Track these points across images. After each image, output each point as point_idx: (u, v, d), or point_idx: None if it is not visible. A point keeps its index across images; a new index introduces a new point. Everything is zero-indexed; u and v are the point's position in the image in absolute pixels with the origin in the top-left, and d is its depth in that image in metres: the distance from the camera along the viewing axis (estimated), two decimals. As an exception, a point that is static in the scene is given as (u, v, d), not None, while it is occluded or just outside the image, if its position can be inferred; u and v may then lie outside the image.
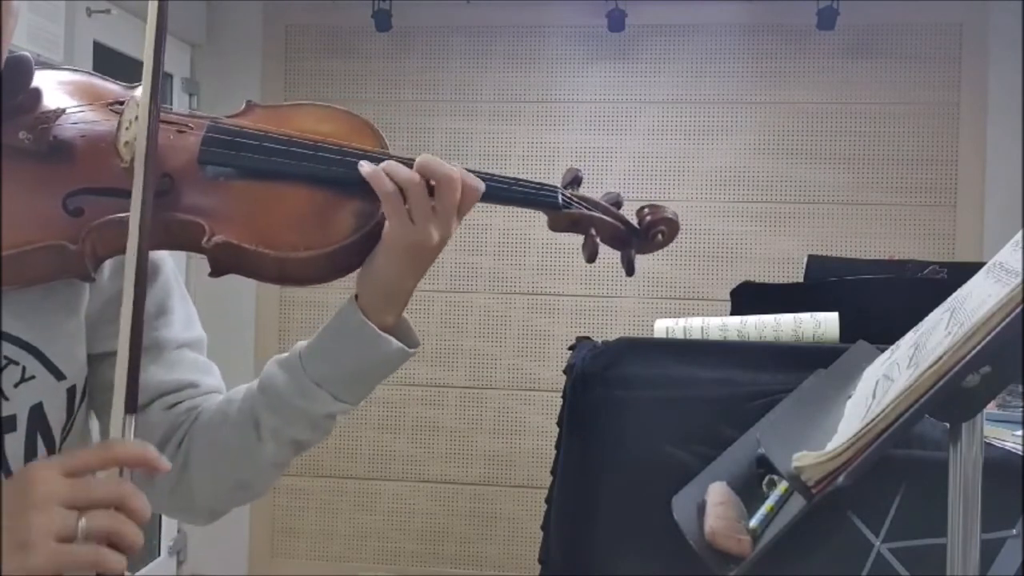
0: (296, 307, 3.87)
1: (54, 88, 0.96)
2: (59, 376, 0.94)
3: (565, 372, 1.69)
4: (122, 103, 0.94)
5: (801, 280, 2.23)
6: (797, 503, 1.13)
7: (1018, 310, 0.75)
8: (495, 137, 3.81)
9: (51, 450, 0.95)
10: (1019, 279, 0.76)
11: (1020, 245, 0.83)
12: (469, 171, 0.95)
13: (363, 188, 0.94)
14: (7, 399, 0.91)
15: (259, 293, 3.87)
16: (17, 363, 0.91)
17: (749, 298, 1.96)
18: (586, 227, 0.99)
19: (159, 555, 3.77)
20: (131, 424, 0.79)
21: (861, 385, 1.01)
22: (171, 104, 3.60)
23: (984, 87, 3.60)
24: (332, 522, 3.89)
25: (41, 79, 0.95)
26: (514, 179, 0.98)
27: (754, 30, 3.70)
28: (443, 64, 3.84)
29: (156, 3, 0.86)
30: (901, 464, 1.34)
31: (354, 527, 3.88)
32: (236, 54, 3.89)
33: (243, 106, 1.02)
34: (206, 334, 1.09)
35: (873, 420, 0.79)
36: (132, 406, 0.79)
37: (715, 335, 1.71)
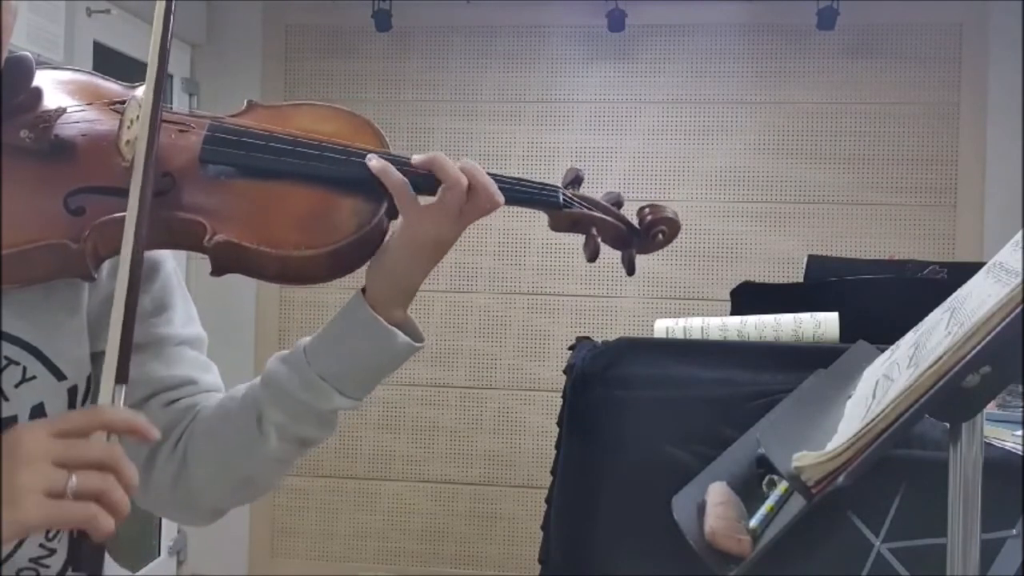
0: (296, 307, 3.87)
1: (55, 87, 0.96)
2: (60, 376, 0.94)
3: (565, 372, 1.69)
4: (123, 103, 0.95)
5: (801, 280, 2.23)
6: (797, 503, 1.13)
7: (1018, 310, 0.75)
8: (495, 137, 3.81)
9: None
10: (1019, 279, 0.76)
11: (1020, 245, 0.83)
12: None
13: (364, 187, 0.94)
14: (8, 400, 0.91)
15: (259, 293, 3.87)
16: (18, 363, 0.91)
17: (749, 298, 1.96)
18: (587, 227, 0.99)
19: (159, 555, 3.77)
20: (120, 393, 0.79)
21: (861, 385, 1.01)
22: (171, 104, 3.61)
23: (984, 87, 3.60)
24: (332, 522, 3.89)
25: (42, 79, 0.95)
26: (515, 179, 0.99)
27: (754, 30, 3.70)
28: (443, 64, 3.84)
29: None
30: (901, 464, 1.34)
31: (354, 527, 3.88)
32: (236, 54, 3.89)
33: (244, 105, 1.02)
34: (206, 333, 1.09)
35: (873, 420, 0.79)
36: (123, 376, 0.79)
37: (715, 335, 1.71)
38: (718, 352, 1.66)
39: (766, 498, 1.21)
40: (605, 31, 3.64)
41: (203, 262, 0.91)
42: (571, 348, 1.76)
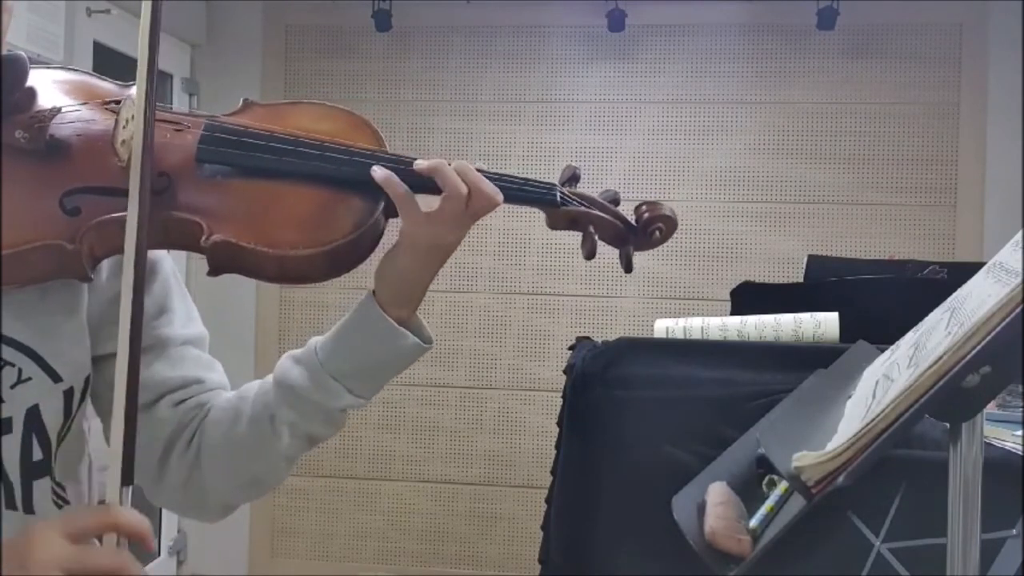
0: (296, 307, 3.87)
1: (50, 87, 0.96)
2: (56, 378, 0.93)
3: (565, 372, 1.69)
4: (118, 102, 0.94)
5: (801, 280, 2.23)
6: (797, 503, 1.13)
7: (1018, 310, 0.75)
8: (495, 137, 3.81)
9: (47, 453, 0.94)
10: (1019, 279, 0.76)
11: (1020, 245, 0.83)
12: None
13: (362, 186, 0.94)
14: (3, 401, 0.90)
15: (259, 293, 3.87)
16: (13, 365, 0.90)
17: (749, 298, 1.96)
18: (584, 224, 0.99)
19: (159, 555, 3.76)
20: (127, 495, 0.80)
21: (861, 385, 1.01)
22: (171, 104, 3.60)
23: (984, 87, 3.59)
24: (332, 522, 3.88)
25: (36, 78, 0.94)
26: (512, 177, 0.99)
27: (754, 30, 3.70)
28: (443, 64, 3.84)
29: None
30: (901, 464, 1.34)
31: (354, 527, 3.87)
32: (236, 54, 3.89)
33: (240, 104, 1.01)
34: (207, 331, 1.09)
35: (873, 420, 0.79)
36: (128, 478, 0.80)
37: (715, 335, 1.71)
38: (718, 352, 1.66)
39: (766, 498, 1.21)
40: (605, 31, 3.64)
41: (203, 261, 0.91)
42: (571, 348, 1.75)
